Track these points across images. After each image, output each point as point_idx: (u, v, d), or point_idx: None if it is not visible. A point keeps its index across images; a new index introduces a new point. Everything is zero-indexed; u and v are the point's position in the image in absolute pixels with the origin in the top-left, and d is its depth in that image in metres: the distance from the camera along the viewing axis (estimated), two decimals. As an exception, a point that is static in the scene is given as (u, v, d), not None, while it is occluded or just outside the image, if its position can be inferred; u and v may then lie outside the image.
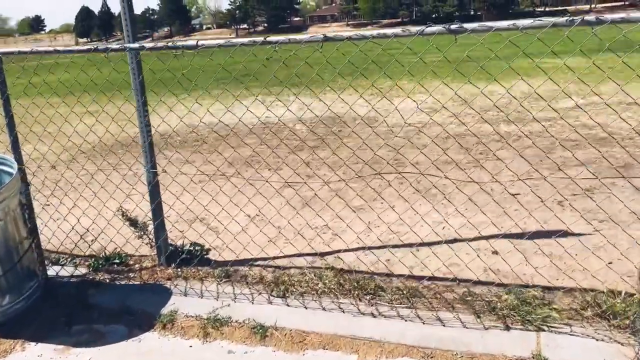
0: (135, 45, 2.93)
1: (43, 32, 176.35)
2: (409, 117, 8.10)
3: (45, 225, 4.22)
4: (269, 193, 4.76)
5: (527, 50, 3.20)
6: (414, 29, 2.53)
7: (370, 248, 3.80)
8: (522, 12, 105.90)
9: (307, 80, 14.42)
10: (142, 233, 3.85)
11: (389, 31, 2.54)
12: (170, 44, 2.78)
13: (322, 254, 3.72)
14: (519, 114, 8.18)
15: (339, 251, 3.77)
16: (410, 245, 3.80)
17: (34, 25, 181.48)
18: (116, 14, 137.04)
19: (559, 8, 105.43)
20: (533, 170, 5.25)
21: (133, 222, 3.88)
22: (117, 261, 3.82)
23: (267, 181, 5.20)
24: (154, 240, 3.73)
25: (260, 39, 2.73)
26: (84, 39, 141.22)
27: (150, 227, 3.76)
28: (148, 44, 2.91)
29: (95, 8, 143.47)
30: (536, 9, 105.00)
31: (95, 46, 2.97)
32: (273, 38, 2.74)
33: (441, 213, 4.41)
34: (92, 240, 4.21)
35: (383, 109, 8.86)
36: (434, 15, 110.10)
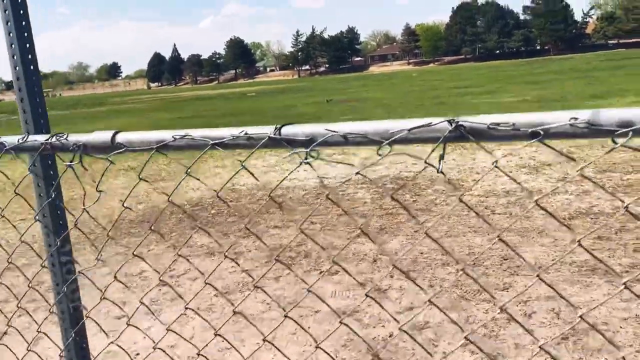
0: (37, 139, 1.41)
1: (119, 77, 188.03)
2: (503, 179, 6.26)
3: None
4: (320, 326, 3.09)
5: None
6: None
7: None
8: (593, 45, 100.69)
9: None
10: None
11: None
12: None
13: None
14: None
15: None
16: None
17: (111, 71, 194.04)
18: (185, 59, 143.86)
19: (634, 40, 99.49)
20: None
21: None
22: None
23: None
24: None
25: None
26: (155, 84, 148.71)
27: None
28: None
29: (167, 54, 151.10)
30: (608, 42, 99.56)
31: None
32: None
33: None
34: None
35: (467, 167, 7.07)
36: (497, 52, 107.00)
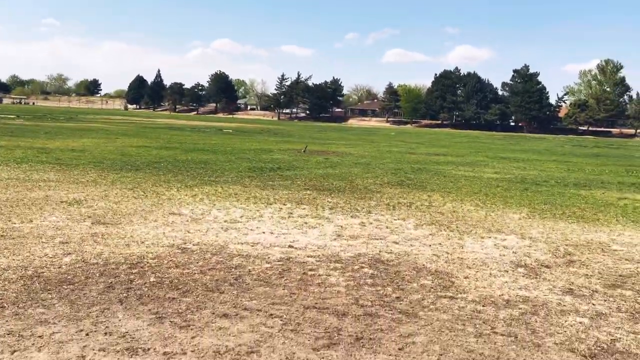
0: None
1: (98, 94, 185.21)
2: (500, 281, 5.37)
3: None
4: None
5: None
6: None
7: None
8: (564, 128, 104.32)
9: (345, 184, 11.95)
10: None
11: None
12: None
13: None
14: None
15: None
16: None
17: (91, 87, 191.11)
18: (167, 86, 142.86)
19: (602, 129, 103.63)
20: None
21: None
22: None
23: None
24: None
25: None
26: (134, 106, 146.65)
27: None
28: None
29: (150, 78, 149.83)
30: (579, 128, 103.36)
31: None
32: None
33: None
34: None
35: (455, 257, 6.18)
36: (474, 122, 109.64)
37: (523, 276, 5.55)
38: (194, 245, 6.11)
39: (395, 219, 8.16)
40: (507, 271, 5.70)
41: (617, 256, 6.59)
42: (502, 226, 8.05)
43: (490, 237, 7.25)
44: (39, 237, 6.09)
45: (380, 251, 6.25)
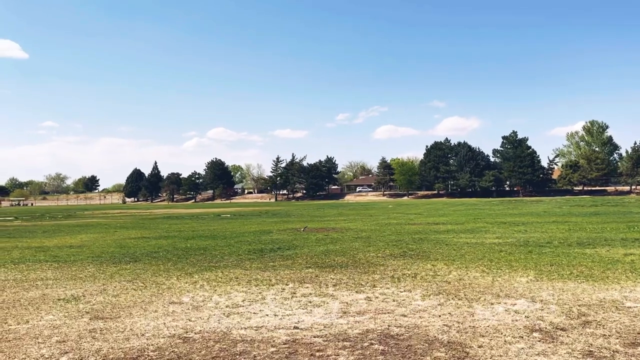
0: None
1: (96, 190, 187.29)
2: (515, 347, 5.15)
3: None
4: None
5: None
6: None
7: None
8: (559, 189, 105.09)
9: (347, 260, 11.79)
10: None
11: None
12: None
13: None
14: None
15: None
16: None
17: (89, 184, 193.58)
18: (164, 177, 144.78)
19: (598, 188, 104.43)
20: None
21: None
22: None
23: None
24: None
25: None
26: (132, 199, 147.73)
27: None
28: None
29: (147, 170, 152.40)
30: (574, 188, 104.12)
31: None
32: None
33: None
34: None
35: (467, 326, 5.97)
36: (469, 190, 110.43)
37: (539, 341, 5.34)
38: (195, 334, 5.90)
39: (401, 291, 7.97)
40: (522, 337, 5.49)
41: (632, 313, 6.39)
42: (510, 291, 7.86)
43: (500, 303, 7.05)
44: (35, 337, 5.88)
45: (389, 325, 6.05)
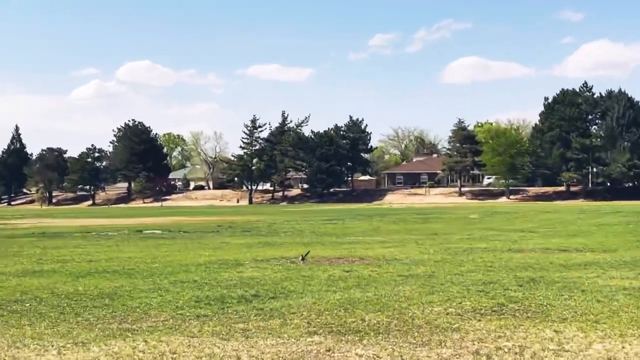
0: None
1: None
2: None
3: None
4: None
5: None
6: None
7: None
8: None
9: (387, 319, 6.76)
10: None
11: None
12: None
13: None
14: None
15: None
16: None
17: None
18: (35, 156, 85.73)
19: None
20: None
21: None
22: None
23: None
24: None
25: None
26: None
27: None
28: None
29: (0, 145, 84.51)
30: None
31: None
32: None
33: None
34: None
35: None
36: (629, 184, 69.41)
37: None
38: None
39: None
40: None
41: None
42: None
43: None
44: None
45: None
